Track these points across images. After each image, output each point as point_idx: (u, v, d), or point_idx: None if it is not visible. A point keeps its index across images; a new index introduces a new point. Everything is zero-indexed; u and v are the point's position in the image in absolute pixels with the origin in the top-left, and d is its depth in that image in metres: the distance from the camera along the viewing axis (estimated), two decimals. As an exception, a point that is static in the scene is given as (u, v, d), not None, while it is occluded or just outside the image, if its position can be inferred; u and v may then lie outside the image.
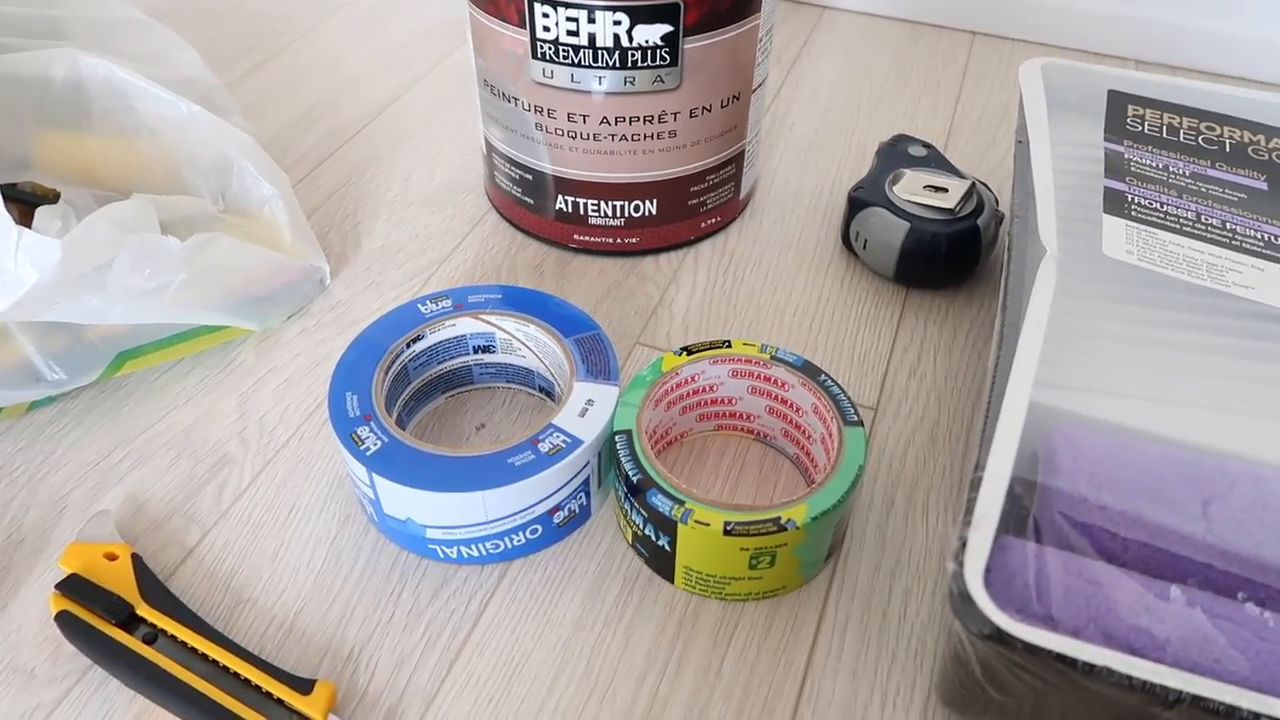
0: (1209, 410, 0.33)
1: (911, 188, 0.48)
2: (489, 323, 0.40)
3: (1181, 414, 0.33)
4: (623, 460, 0.34)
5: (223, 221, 0.44)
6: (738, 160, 0.50)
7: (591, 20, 0.41)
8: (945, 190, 0.48)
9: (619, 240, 0.50)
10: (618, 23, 0.41)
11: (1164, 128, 0.46)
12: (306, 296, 0.47)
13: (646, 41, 0.42)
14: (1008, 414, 0.31)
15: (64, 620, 0.33)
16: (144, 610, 0.34)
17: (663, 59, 0.43)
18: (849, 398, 0.37)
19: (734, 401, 0.40)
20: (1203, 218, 0.40)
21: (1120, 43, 0.71)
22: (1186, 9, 0.68)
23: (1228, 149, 0.44)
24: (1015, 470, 0.31)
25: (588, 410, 0.35)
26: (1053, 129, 0.46)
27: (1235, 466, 0.31)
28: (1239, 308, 0.36)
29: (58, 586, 0.34)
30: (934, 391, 0.44)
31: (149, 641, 0.33)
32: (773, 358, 0.38)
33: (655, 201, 0.48)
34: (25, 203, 0.46)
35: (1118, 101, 0.47)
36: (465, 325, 0.40)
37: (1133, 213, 0.40)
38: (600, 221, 0.49)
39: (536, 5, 0.42)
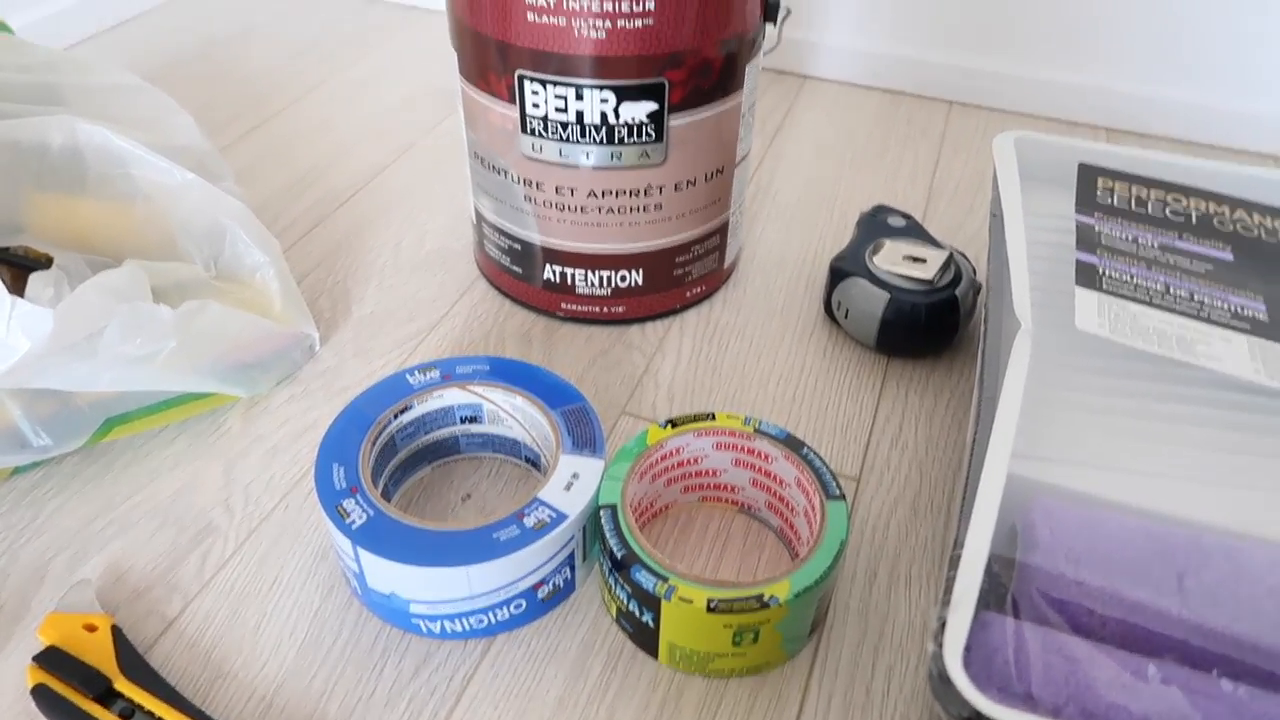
0: (1182, 481, 0.34)
1: (891, 258, 0.49)
2: (476, 394, 0.41)
3: (1156, 485, 0.34)
4: (607, 535, 0.34)
5: (214, 288, 0.45)
6: (722, 231, 0.51)
7: (580, 98, 0.43)
8: (924, 261, 0.49)
9: (605, 309, 0.51)
10: (605, 101, 0.43)
11: (1133, 200, 0.47)
12: (295, 363, 0.48)
13: (633, 119, 0.43)
14: (985, 491, 0.31)
15: (40, 694, 0.33)
16: (122, 684, 0.33)
17: (648, 135, 0.44)
18: (831, 471, 0.37)
19: (718, 473, 0.40)
20: (1171, 289, 0.41)
21: (1092, 112, 0.73)
22: (1155, 80, 0.71)
23: (1194, 220, 0.46)
24: (994, 546, 0.31)
25: (573, 484, 0.36)
26: (1026, 200, 0.48)
27: (1209, 540, 0.32)
28: (1208, 379, 0.37)
29: (35, 659, 0.34)
30: (915, 461, 0.44)
31: (126, 717, 0.32)
32: (756, 430, 0.39)
33: (641, 271, 0.49)
34: (18, 266, 0.47)
35: (1088, 175, 0.49)
36: (453, 396, 0.41)
37: (1104, 285, 0.41)
38: (587, 291, 0.50)
39: (526, 83, 0.43)
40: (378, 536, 0.34)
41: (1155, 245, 0.44)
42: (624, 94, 0.43)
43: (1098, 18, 0.70)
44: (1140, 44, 0.70)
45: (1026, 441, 0.35)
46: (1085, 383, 0.37)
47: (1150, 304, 0.40)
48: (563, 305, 0.51)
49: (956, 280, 0.49)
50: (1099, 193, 0.47)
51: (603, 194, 0.46)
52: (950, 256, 0.49)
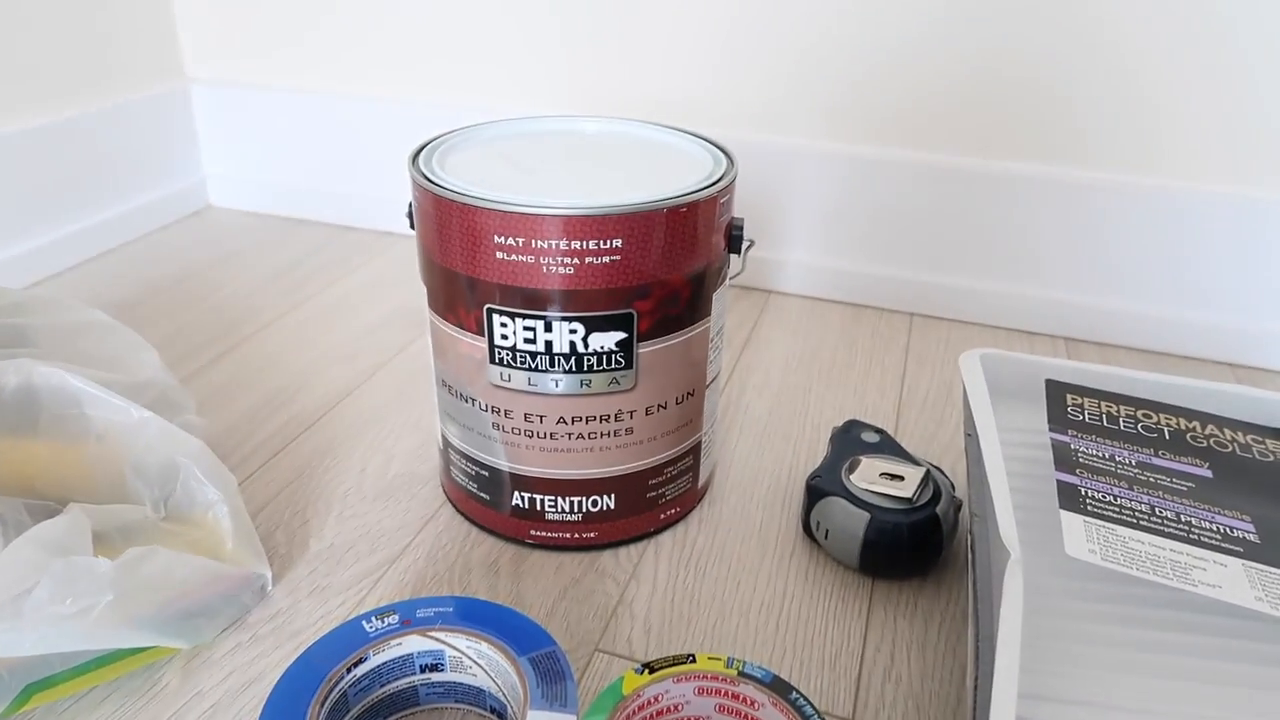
0: (1200, 722, 0.31)
1: (868, 476, 0.48)
2: (438, 640, 0.38)
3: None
4: (580, 811, 0.31)
5: (162, 530, 0.43)
6: (695, 451, 0.50)
7: (548, 329, 0.43)
8: (902, 478, 0.48)
9: (577, 535, 0.49)
10: (574, 331, 0.43)
11: (1104, 416, 0.47)
12: (244, 607, 0.44)
13: (602, 347, 0.43)
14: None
15: None
16: None
17: (618, 363, 0.44)
18: (823, 719, 0.34)
19: (701, 722, 0.37)
20: (1156, 510, 0.40)
21: (1049, 323, 0.75)
22: (1109, 292, 0.74)
23: (1167, 436, 0.46)
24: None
25: (541, 748, 0.32)
26: (998, 416, 0.48)
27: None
28: (1211, 606, 0.35)
29: None
30: (911, 697, 0.41)
31: None
32: (740, 673, 0.36)
33: (613, 496, 0.48)
34: (-45, 511, 0.44)
35: (1056, 391, 0.49)
36: (413, 643, 0.38)
37: (1088, 507, 0.40)
38: (557, 517, 0.48)
39: (495, 316, 0.43)
40: (320, 824, 0.30)
41: (1133, 463, 0.43)
42: (593, 325, 0.43)
43: (1050, 236, 0.73)
44: (1093, 260, 0.73)
45: (1030, 681, 0.32)
46: (1083, 610, 0.35)
47: (1137, 526, 0.39)
48: (532, 532, 0.49)
49: (936, 498, 0.48)
50: (1069, 409, 0.47)
51: (572, 420, 0.45)
52: (928, 473, 0.49)
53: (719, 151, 0.48)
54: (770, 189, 0.79)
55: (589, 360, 0.44)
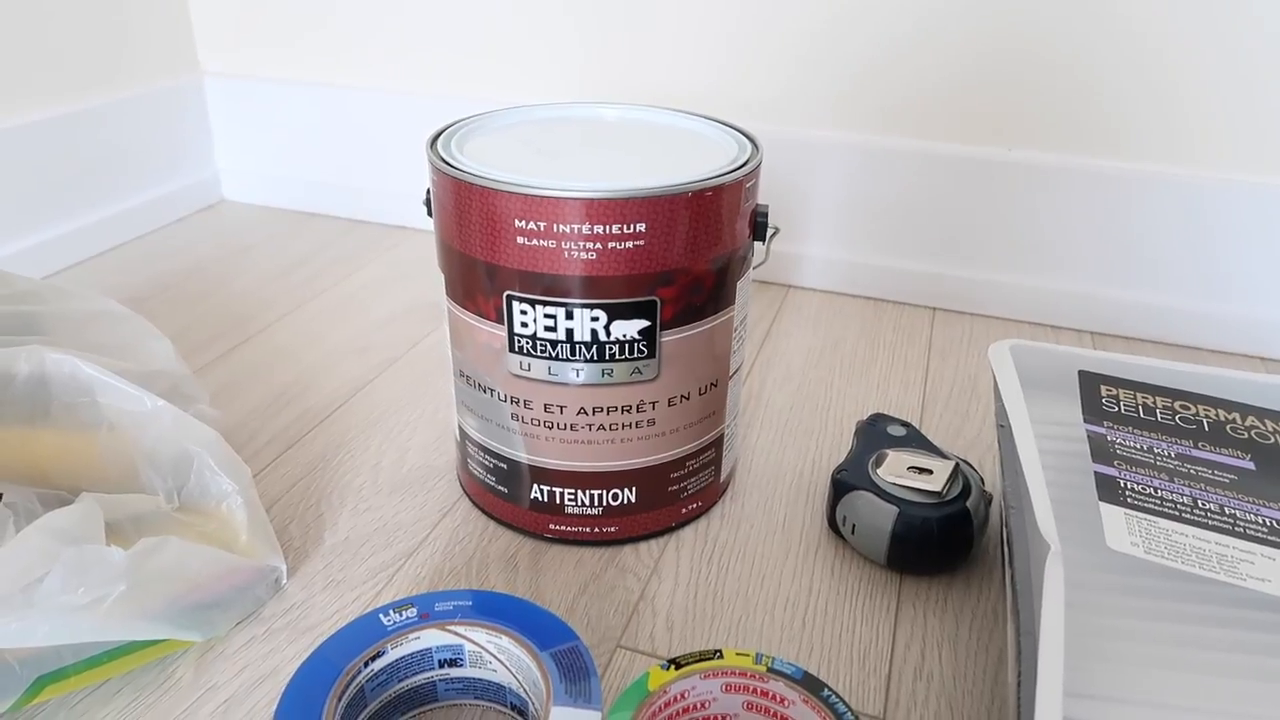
0: (1251, 722, 0.30)
1: (896, 469, 0.47)
2: (457, 634, 0.37)
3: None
4: (607, 810, 0.29)
5: (175, 520, 0.42)
6: (717, 444, 0.49)
7: (569, 317, 0.42)
8: (930, 472, 0.47)
9: (597, 529, 0.47)
10: (595, 319, 0.42)
11: (1140, 407, 0.46)
12: (259, 600, 0.44)
13: (624, 336, 0.42)
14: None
15: None
16: None
17: (640, 352, 0.43)
18: (857, 717, 0.33)
19: (729, 719, 0.36)
20: (1199, 502, 0.39)
21: (1073, 316, 0.74)
22: (1136, 284, 0.72)
23: (1206, 428, 0.44)
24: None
25: (566, 745, 0.31)
26: (1030, 408, 0.46)
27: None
28: (1260, 601, 0.34)
29: None
30: (944, 695, 0.40)
31: None
32: (769, 669, 0.35)
33: (634, 489, 0.47)
34: (-35, 501, 0.44)
35: (1090, 382, 0.48)
36: (431, 637, 0.37)
37: (1129, 500, 0.39)
38: (577, 510, 0.47)
39: (515, 303, 0.42)
40: (338, 822, 0.29)
41: (1172, 454, 0.42)
42: (615, 312, 0.42)
43: (1075, 228, 0.72)
44: (1118, 252, 0.72)
45: (1074, 677, 0.31)
46: (1127, 605, 0.34)
47: (1180, 519, 0.38)
48: (551, 526, 0.48)
49: (967, 491, 0.46)
50: (1104, 401, 0.46)
51: (593, 411, 0.44)
52: (957, 466, 0.47)
53: (743, 137, 0.47)
54: (784, 181, 0.78)
55: (611, 349, 0.43)
